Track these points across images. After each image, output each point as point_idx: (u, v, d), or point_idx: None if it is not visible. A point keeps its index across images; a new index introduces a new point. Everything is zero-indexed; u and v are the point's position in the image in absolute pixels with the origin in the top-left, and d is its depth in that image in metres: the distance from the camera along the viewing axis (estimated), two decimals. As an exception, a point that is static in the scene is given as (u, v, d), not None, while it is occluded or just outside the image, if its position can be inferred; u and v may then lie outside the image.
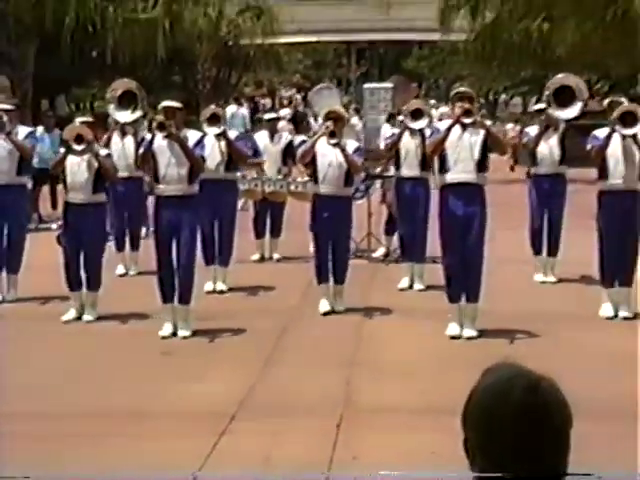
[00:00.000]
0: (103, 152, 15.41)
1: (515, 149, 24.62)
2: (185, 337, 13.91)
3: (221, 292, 16.98)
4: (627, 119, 14.51)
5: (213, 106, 18.22)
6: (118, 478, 9.19)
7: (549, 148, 17.49)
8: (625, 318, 14.76)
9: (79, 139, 14.83)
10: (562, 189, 17.86)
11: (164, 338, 13.88)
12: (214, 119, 16.88)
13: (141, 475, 8.86)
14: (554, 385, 3.07)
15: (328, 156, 15.23)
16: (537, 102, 20.81)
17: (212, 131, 16.62)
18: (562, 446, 3.04)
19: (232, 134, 14.55)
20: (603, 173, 14.89)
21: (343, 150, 15.23)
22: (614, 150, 14.69)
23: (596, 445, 9.22)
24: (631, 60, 34.36)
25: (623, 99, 16.31)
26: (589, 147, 14.98)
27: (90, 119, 17.26)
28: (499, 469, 3.00)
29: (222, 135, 16.98)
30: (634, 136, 14.53)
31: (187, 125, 15.46)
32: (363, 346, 13.71)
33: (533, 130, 17.85)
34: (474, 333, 13.72)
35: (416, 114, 16.79)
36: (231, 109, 33.71)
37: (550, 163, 17.61)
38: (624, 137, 14.58)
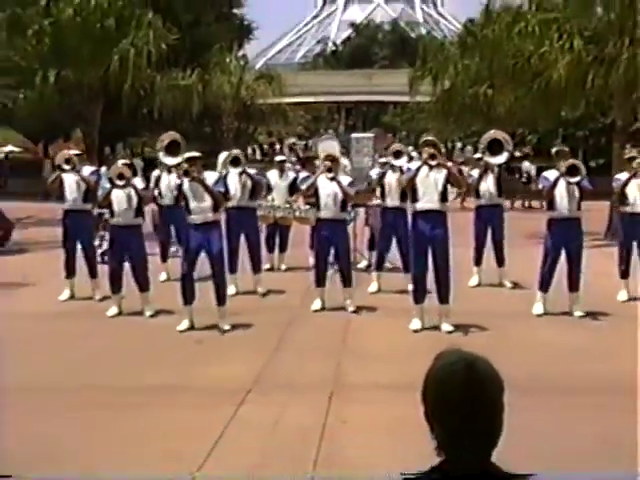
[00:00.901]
0: (140, 185, 15.49)
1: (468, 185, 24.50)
2: (226, 330, 13.85)
3: (262, 294, 17.02)
4: (572, 171, 14.76)
5: (235, 151, 18.23)
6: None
7: (488, 186, 17.65)
8: (581, 317, 14.78)
9: (120, 177, 15.04)
10: (500, 215, 18.01)
11: (182, 332, 13.82)
12: (236, 161, 17.00)
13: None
14: (488, 363, 3.14)
15: (327, 188, 15.24)
16: (475, 152, 20.86)
17: (235, 170, 16.74)
18: (497, 410, 3.09)
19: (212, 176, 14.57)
20: (551, 205, 15.01)
21: (339, 183, 15.29)
22: (560, 190, 14.84)
23: (523, 410, 9.19)
24: (553, 119, 34.53)
25: (566, 148, 16.44)
26: (541, 186, 15.34)
27: (128, 161, 17.51)
28: (450, 433, 3.05)
29: (243, 172, 17.06)
30: (577, 182, 14.76)
31: (209, 168, 15.59)
32: (350, 337, 13.67)
33: (475, 173, 17.98)
34: (451, 328, 13.69)
35: (397, 154, 16.86)
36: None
37: (489, 196, 17.75)
38: (567, 180, 14.73)
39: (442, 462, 3.07)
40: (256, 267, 17.47)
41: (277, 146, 65.16)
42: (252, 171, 17.86)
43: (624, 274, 16.51)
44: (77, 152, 17.82)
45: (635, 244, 16.44)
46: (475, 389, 3.02)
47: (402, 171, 16.18)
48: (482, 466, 3.05)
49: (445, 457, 3.06)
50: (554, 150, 18.60)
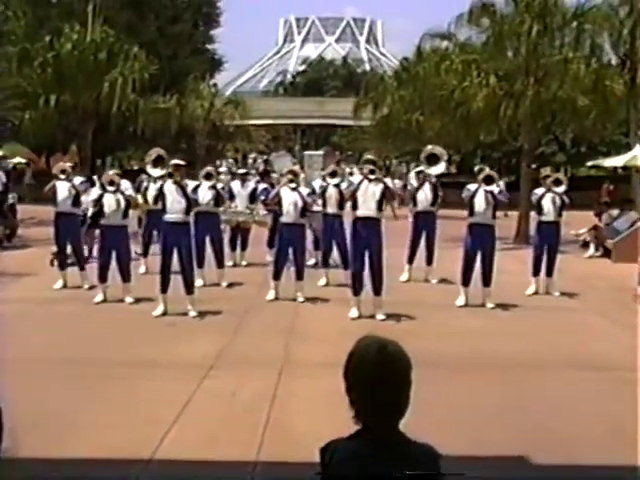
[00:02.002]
0: (128, 192, 15.50)
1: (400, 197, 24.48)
2: (194, 315, 13.84)
3: (226, 286, 16.98)
4: (488, 180, 15.02)
5: (208, 167, 18.28)
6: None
7: (424, 195, 17.74)
8: (492, 308, 14.95)
9: (111, 183, 15.11)
10: (433, 221, 18.09)
11: (157, 316, 13.81)
12: (209, 176, 17.08)
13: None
14: (398, 346, 3.18)
15: (289, 197, 15.31)
16: (416, 167, 21.03)
17: (207, 183, 16.83)
18: (405, 385, 3.14)
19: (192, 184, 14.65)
20: (472, 212, 15.18)
21: (300, 193, 15.42)
22: (479, 199, 15.01)
23: (436, 383, 9.32)
24: (473, 142, 34.82)
25: (486, 167, 16.64)
26: (464, 195, 15.44)
27: (118, 171, 17.52)
28: (365, 405, 3.11)
29: (213, 186, 17.11)
30: (491, 191, 14.95)
31: (188, 177, 15.61)
32: (298, 322, 13.66)
33: (415, 182, 18.11)
34: (383, 316, 13.75)
35: (333, 174, 17.01)
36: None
37: (425, 204, 17.82)
38: (486, 191, 14.92)
39: (359, 430, 3.13)
40: (220, 263, 17.49)
41: (251, 159, 64.94)
42: (220, 185, 17.93)
43: (535, 272, 16.72)
44: (71, 164, 17.79)
45: (546, 247, 16.66)
46: (386, 367, 3.08)
47: (339, 187, 16.47)
48: (391, 433, 3.11)
49: (361, 425, 3.13)
50: (476, 168, 18.85)
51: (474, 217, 15.21)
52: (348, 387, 3.15)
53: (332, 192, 17.05)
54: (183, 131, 43.43)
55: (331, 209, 17.22)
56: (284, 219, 15.41)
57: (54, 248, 17.16)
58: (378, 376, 3.07)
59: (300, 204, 15.31)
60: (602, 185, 37.71)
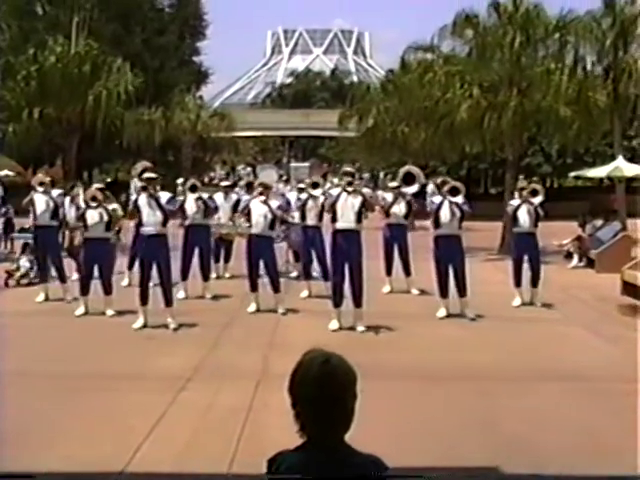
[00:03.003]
0: (111, 207, 15.52)
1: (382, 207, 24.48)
2: (175, 328, 13.83)
3: (210, 298, 17.05)
4: (453, 192, 15.15)
5: (193, 180, 18.35)
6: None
7: (399, 208, 17.85)
8: (472, 319, 14.92)
9: (94, 199, 15.20)
10: (405, 233, 18.28)
11: (136, 329, 13.79)
12: (194, 188, 17.15)
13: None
14: (342, 359, 3.18)
15: (259, 209, 15.35)
16: (392, 180, 21.14)
17: (192, 196, 17.01)
18: (348, 398, 3.14)
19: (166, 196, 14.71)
20: (437, 224, 15.19)
21: (269, 206, 15.43)
22: (444, 211, 15.07)
23: (410, 394, 9.33)
24: (458, 153, 34.89)
25: (449, 179, 16.73)
26: (429, 208, 15.50)
27: (101, 185, 17.52)
28: (308, 418, 3.12)
29: (200, 198, 17.20)
30: (456, 203, 15.02)
31: (169, 189, 15.66)
32: (277, 334, 13.69)
33: (389, 197, 18.10)
34: (363, 328, 13.78)
35: (315, 185, 17.16)
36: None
37: (398, 217, 17.96)
38: (450, 203, 14.95)
39: (304, 442, 3.14)
40: (205, 275, 17.49)
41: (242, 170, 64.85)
42: (205, 195, 17.97)
43: (517, 283, 16.75)
44: (48, 178, 17.77)
45: (526, 258, 16.70)
46: (329, 381, 3.09)
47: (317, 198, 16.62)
48: (336, 445, 3.11)
49: (306, 438, 3.14)
50: (439, 180, 19.00)
51: (440, 229, 15.27)
52: (293, 400, 3.16)
53: (312, 204, 17.13)
54: (169, 143, 43.52)
55: (310, 221, 17.33)
56: (253, 231, 15.46)
57: (8, 265, 17.18)
58: (321, 390, 3.08)
59: (269, 216, 15.35)
60: (611, 195, 37.96)
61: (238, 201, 19.36)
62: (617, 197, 28.82)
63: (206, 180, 55.69)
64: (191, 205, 17.20)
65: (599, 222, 25.57)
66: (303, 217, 17.59)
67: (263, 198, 15.47)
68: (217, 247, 19.49)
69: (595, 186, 44.24)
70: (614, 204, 28.94)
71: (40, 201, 16.58)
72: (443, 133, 27.20)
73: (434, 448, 7.87)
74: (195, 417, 9.06)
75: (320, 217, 17.13)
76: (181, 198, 17.30)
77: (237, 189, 22.61)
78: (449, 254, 15.18)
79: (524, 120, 26.12)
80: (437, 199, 15.47)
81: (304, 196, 17.83)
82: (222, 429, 8.63)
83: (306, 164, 59.18)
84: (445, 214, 15.10)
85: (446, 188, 15.41)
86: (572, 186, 50.28)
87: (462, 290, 15.24)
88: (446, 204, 15.11)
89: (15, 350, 12.01)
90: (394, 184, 18.30)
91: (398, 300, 17.10)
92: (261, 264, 15.55)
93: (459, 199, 15.17)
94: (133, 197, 17.08)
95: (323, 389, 3.08)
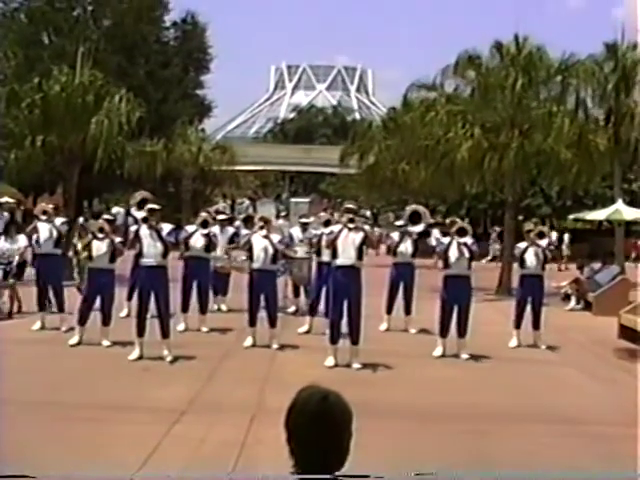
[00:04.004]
0: (117, 239, 15.56)
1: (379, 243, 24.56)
2: (171, 361, 13.81)
3: (206, 331, 17.02)
4: (461, 232, 15.29)
5: (204, 213, 18.46)
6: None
7: (405, 247, 17.83)
8: (466, 359, 14.92)
9: (101, 230, 15.27)
10: (412, 272, 18.17)
11: (132, 360, 13.76)
12: (205, 223, 17.44)
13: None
14: (339, 397, 3.17)
15: (260, 244, 15.39)
16: (396, 219, 21.21)
17: (202, 231, 17.31)
18: (344, 436, 3.13)
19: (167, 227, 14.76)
20: (446, 264, 15.27)
21: (271, 240, 15.46)
22: (453, 251, 15.13)
23: (402, 433, 9.31)
24: (458, 192, 34.93)
25: (458, 219, 16.79)
26: (437, 249, 15.69)
27: (109, 217, 17.64)
28: (303, 454, 3.11)
29: (207, 234, 17.37)
30: (465, 243, 15.11)
31: (169, 221, 15.66)
32: (273, 368, 13.67)
33: (395, 236, 18.11)
34: (359, 365, 13.77)
35: (327, 223, 17.18)
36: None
37: (405, 256, 17.92)
38: (459, 243, 15.04)
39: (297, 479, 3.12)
40: (203, 309, 17.49)
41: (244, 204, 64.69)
42: (214, 229, 18.14)
43: (517, 325, 16.76)
44: (51, 206, 17.88)
45: (530, 299, 16.72)
46: (325, 418, 3.09)
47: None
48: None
49: (299, 475, 3.11)
50: (448, 220, 19.05)
51: (449, 269, 15.29)
52: (288, 436, 3.15)
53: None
54: (170, 175, 43.61)
55: (326, 257, 17.30)
56: (255, 265, 15.46)
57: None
58: (317, 426, 3.08)
59: (271, 251, 15.37)
60: (634, 241, 38.49)
61: (234, 234, 19.40)
62: (616, 240, 28.84)
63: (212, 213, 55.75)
64: (196, 238, 17.28)
65: (597, 265, 25.62)
66: (318, 253, 17.56)
67: (264, 232, 15.51)
68: (215, 280, 19.48)
69: (594, 229, 44.31)
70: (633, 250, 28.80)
71: (43, 229, 16.69)
72: (444, 172, 27.27)
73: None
74: (188, 451, 9.02)
75: (318, 253, 17.21)
76: (189, 229, 17.38)
77: (236, 223, 22.63)
78: (456, 294, 15.21)
79: (525, 162, 26.23)
80: (445, 239, 15.53)
81: (318, 232, 17.81)
82: (215, 463, 8.59)
83: (306, 199, 59.26)
84: (454, 254, 15.15)
85: (454, 229, 15.51)
86: (571, 228, 50.35)
87: (462, 331, 15.26)
88: (454, 244, 15.18)
89: (7, 378, 11.99)
90: (400, 223, 18.35)
91: (395, 338, 17.09)
92: (262, 298, 15.54)
93: (467, 239, 15.25)
94: (133, 227, 17.16)
95: (320, 426, 3.07)
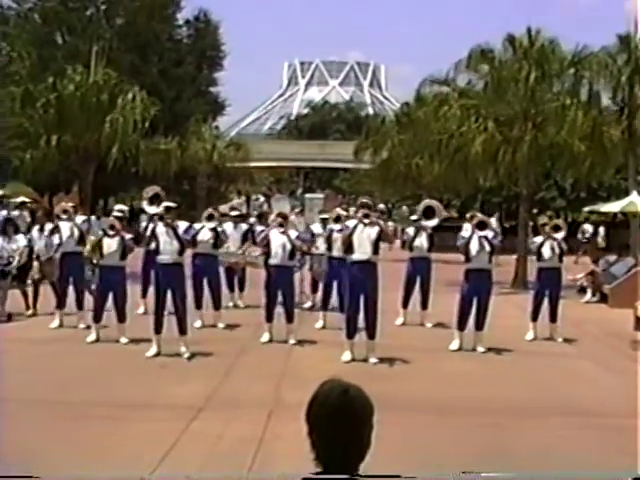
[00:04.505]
0: (128, 236, 15.59)
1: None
2: (188, 357, 13.84)
3: (223, 327, 17.06)
4: (481, 226, 15.28)
5: (210, 209, 18.40)
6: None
7: (421, 242, 17.86)
8: (483, 352, 14.93)
9: (112, 227, 15.32)
10: (429, 266, 18.23)
11: (149, 358, 13.80)
12: (211, 217, 17.27)
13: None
14: (360, 391, 3.19)
15: (278, 240, 15.41)
16: (411, 214, 21.26)
17: (209, 225, 17.19)
18: (365, 429, 3.15)
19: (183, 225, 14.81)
20: (467, 258, 15.25)
21: (288, 236, 15.50)
22: (474, 244, 15.12)
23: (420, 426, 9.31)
24: (472, 187, 34.83)
25: (479, 214, 16.77)
26: (458, 243, 15.52)
27: (119, 214, 17.68)
28: (324, 447, 3.13)
29: (214, 228, 17.30)
30: (485, 236, 15.07)
31: (184, 218, 15.70)
32: (290, 364, 13.68)
33: (411, 231, 18.13)
34: (376, 360, 13.76)
35: (337, 219, 17.36)
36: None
37: (421, 250, 17.95)
38: (479, 237, 15.05)
39: (318, 472, 3.14)
40: (216, 304, 17.51)
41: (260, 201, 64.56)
42: (226, 225, 18.19)
43: (534, 317, 16.76)
44: (71, 204, 18.00)
45: (547, 293, 16.72)
46: (346, 411, 3.10)
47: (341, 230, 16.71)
48: (351, 475, 3.10)
49: (322, 468, 3.13)
50: (468, 215, 19.03)
51: (471, 263, 15.28)
52: (310, 429, 3.16)
53: (337, 236, 17.19)
54: (185, 173, 43.66)
55: (336, 252, 17.33)
56: (272, 261, 15.47)
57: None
58: (338, 419, 3.09)
59: (289, 247, 15.39)
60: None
61: (248, 231, 19.40)
62: (631, 232, 28.75)
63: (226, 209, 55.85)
64: (204, 234, 17.28)
65: (613, 257, 25.53)
66: (329, 248, 17.61)
67: (282, 229, 15.53)
68: (229, 276, 19.48)
69: (609, 221, 44.14)
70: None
71: (65, 228, 16.80)
72: (457, 166, 27.20)
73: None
74: (206, 447, 9.03)
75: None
76: (197, 227, 17.39)
77: (251, 219, 22.64)
78: (477, 288, 15.19)
79: (539, 155, 26.13)
80: (466, 234, 15.52)
81: (330, 227, 17.84)
82: (233, 459, 8.60)
83: (321, 195, 59.09)
84: (475, 248, 15.14)
85: (474, 222, 15.49)
86: (606, 221, 50.09)
87: (481, 324, 15.26)
88: (475, 238, 15.17)
89: (25, 378, 12.07)
90: (414, 217, 18.36)
91: (411, 332, 17.08)
92: (279, 294, 15.55)
93: (487, 233, 15.24)
94: (149, 225, 17.20)
95: (340, 420, 3.09)
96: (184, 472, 8.11)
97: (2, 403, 10.07)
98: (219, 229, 17.66)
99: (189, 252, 16.14)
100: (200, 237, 17.19)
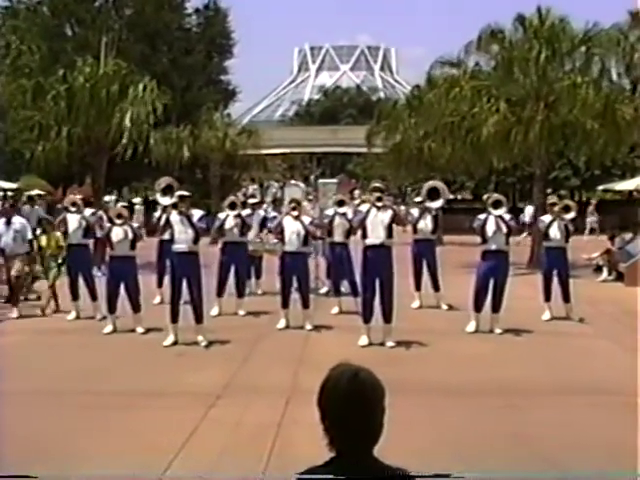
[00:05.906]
0: (135, 224, 15.71)
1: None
2: (203, 345, 13.89)
3: (243, 315, 17.17)
4: (496, 204, 15.16)
5: (233, 197, 18.43)
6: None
7: (425, 224, 17.92)
8: (500, 334, 14.94)
9: (119, 216, 15.48)
10: (433, 248, 18.33)
11: (167, 347, 13.84)
12: (233, 205, 17.31)
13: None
14: (370, 374, 3.19)
15: (292, 226, 15.43)
16: (417, 196, 21.26)
17: (232, 213, 17.24)
18: (376, 412, 3.15)
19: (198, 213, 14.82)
20: (484, 239, 15.23)
21: (302, 222, 15.52)
22: (490, 226, 15.08)
23: (443, 409, 9.32)
24: (485, 168, 34.73)
25: (495, 194, 16.67)
26: (475, 225, 15.50)
27: (126, 204, 17.84)
28: (337, 432, 3.14)
29: (238, 215, 17.40)
30: (500, 216, 15.01)
31: (199, 207, 15.76)
32: (307, 350, 13.73)
33: (415, 212, 18.18)
34: (393, 344, 13.79)
35: (340, 203, 17.51)
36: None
37: (425, 232, 18.02)
38: (495, 217, 15.02)
39: (333, 457, 3.15)
40: (240, 292, 17.59)
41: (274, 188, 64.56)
42: (245, 212, 18.21)
43: (547, 298, 16.78)
44: (80, 196, 18.10)
45: (555, 272, 16.73)
46: (357, 394, 3.11)
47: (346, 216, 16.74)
48: (365, 459, 3.13)
49: (335, 452, 3.15)
50: (485, 197, 18.97)
51: (487, 244, 15.24)
52: (322, 415, 3.18)
53: (339, 221, 17.24)
54: (197, 162, 43.67)
55: (338, 238, 17.41)
56: (287, 248, 15.50)
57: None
58: (350, 403, 3.09)
59: (302, 233, 15.42)
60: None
61: (265, 218, 19.45)
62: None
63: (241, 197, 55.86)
64: (230, 222, 17.38)
65: (628, 235, 25.47)
66: (330, 234, 17.66)
67: (295, 214, 15.55)
68: (247, 264, 19.53)
69: (624, 199, 44.03)
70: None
71: (72, 220, 16.90)
72: (470, 148, 27.12)
73: (461, 461, 7.86)
74: (225, 434, 9.08)
75: (347, 234, 17.22)
76: (221, 216, 17.44)
77: (265, 206, 22.68)
78: (494, 269, 15.15)
79: (551, 134, 26.04)
80: (482, 215, 15.47)
81: (333, 211, 17.87)
82: (252, 445, 8.65)
83: (334, 180, 59.15)
84: (491, 229, 15.11)
85: (490, 201, 15.40)
86: (600, 199, 50.07)
87: (497, 306, 15.25)
88: (491, 219, 15.13)
89: (45, 368, 12.17)
90: (418, 199, 18.36)
91: (427, 315, 17.12)
92: (294, 280, 15.59)
93: (502, 212, 15.17)
94: (163, 215, 17.16)
95: (352, 403, 3.09)
96: (204, 459, 8.15)
97: (23, 395, 10.15)
98: (243, 213, 17.76)
99: (206, 241, 16.19)
100: (227, 226, 17.28)
